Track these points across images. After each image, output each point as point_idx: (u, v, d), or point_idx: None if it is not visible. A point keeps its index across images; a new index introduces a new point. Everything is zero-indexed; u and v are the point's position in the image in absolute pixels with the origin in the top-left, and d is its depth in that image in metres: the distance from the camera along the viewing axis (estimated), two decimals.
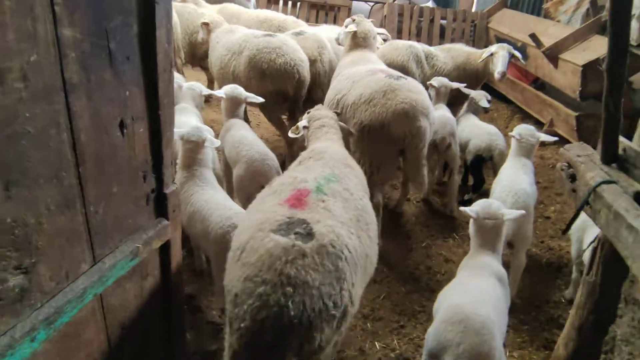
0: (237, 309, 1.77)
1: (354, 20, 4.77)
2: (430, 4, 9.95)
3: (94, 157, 1.61)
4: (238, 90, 4.21)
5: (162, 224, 2.07)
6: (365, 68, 4.13)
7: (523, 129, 4.04)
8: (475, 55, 5.63)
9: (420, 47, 5.59)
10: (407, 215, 4.84)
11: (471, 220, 2.89)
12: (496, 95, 7.83)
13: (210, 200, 3.04)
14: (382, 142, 3.65)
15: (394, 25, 8.85)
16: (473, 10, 10.33)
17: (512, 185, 3.62)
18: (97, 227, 1.69)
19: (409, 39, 8.15)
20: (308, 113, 3.41)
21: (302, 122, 3.36)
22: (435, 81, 5.07)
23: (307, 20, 8.12)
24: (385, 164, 3.78)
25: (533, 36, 6.06)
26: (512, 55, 5.35)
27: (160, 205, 2.06)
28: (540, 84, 7.59)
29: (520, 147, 3.97)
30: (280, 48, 4.67)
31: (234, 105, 4.21)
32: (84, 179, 1.57)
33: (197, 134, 3.21)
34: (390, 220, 4.64)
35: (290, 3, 9.41)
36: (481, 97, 5.18)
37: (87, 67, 1.51)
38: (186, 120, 3.90)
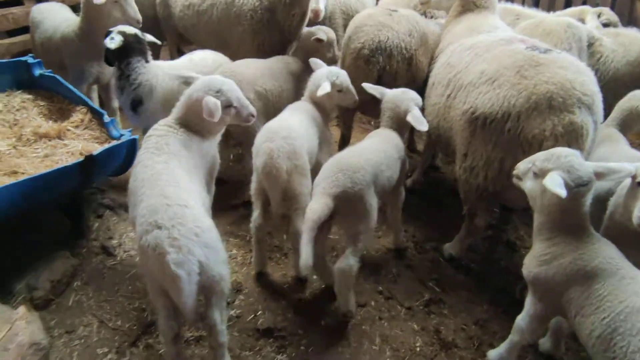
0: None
1: None
2: None
3: None
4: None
5: None
6: (497, 36, 3.09)
7: None
8: None
9: (583, 27, 3.87)
10: None
11: None
12: None
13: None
14: (506, 144, 2.54)
15: None
16: None
17: None
18: None
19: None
20: None
21: None
22: None
23: None
24: (507, 178, 2.53)
25: None
26: None
27: None
28: None
29: None
30: None
31: None
32: None
33: None
34: None
35: None
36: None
37: None
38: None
